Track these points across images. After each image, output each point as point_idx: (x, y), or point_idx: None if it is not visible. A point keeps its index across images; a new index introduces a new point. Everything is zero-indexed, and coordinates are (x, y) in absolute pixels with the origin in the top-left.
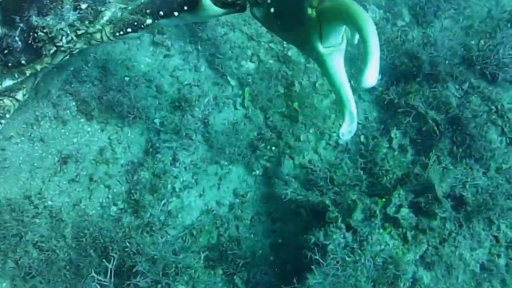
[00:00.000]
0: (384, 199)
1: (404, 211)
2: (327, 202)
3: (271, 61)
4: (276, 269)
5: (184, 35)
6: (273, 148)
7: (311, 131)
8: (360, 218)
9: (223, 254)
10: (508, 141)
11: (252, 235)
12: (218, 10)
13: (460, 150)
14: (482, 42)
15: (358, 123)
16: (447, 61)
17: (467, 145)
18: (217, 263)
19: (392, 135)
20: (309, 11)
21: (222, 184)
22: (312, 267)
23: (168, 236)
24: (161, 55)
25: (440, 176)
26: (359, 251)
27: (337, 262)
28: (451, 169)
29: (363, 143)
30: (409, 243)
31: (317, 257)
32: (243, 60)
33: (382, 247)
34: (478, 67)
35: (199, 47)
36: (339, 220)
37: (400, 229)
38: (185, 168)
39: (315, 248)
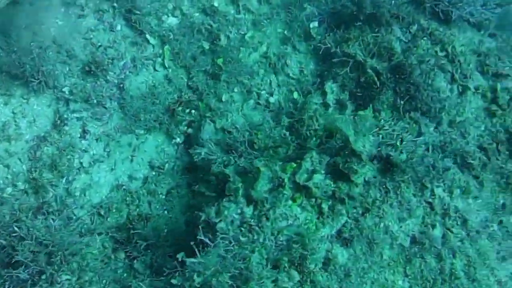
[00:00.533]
0: (294, 165)
1: (318, 177)
2: (227, 171)
3: (196, 14)
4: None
5: None
6: (193, 111)
7: (235, 90)
8: (267, 189)
9: (130, 235)
10: (460, 90)
11: (166, 212)
12: None
13: (402, 102)
14: None
15: (292, 78)
16: (393, 1)
17: (412, 96)
18: (122, 246)
19: (327, 89)
20: None
21: (136, 156)
22: (196, 249)
23: (74, 216)
24: (74, 16)
25: (354, 126)
26: (257, 229)
27: (229, 242)
28: (364, 115)
29: (296, 100)
30: (324, 216)
31: (201, 238)
32: (164, 15)
33: (290, 222)
34: (428, 4)
35: (115, 4)
36: (240, 193)
37: (314, 200)
38: (96, 139)
39: (205, 227)
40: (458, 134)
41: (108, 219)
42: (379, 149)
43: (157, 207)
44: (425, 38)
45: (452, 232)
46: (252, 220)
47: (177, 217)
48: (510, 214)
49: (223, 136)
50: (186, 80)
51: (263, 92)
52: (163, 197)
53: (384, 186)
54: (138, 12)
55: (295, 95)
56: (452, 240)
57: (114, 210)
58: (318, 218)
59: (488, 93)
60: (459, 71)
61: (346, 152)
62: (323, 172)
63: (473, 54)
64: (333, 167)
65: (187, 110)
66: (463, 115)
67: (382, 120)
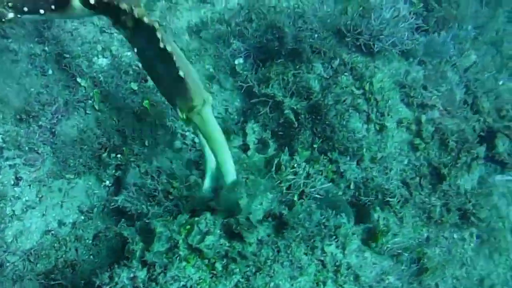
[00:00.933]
0: (188, 226)
1: (210, 239)
2: (125, 233)
3: (128, 53)
4: None
5: (30, 35)
6: (119, 156)
7: (159, 132)
8: (163, 249)
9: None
10: (378, 128)
11: (92, 257)
12: (86, 11)
13: (319, 143)
14: (349, 9)
15: (217, 117)
16: (316, 35)
17: (328, 137)
18: None
19: (248, 130)
20: (181, 114)
21: (66, 201)
22: None
23: (7, 263)
24: (8, 62)
25: (246, 189)
26: None
27: None
28: (256, 181)
29: None
30: (218, 275)
31: None
32: (94, 57)
33: (183, 283)
34: (349, 39)
35: (46, 48)
36: (137, 255)
37: (208, 260)
38: (29, 186)
39: None
40: (380, 170)
41: (38, 265)
42: (282, 199)
43: (84, 252)
44: (346, 74)
45: None
46: (143, 284)
47: (102, 262)
48: (436, 246)
49: (146, 181)
50: (116, 122)
51: (188, 133)
52: (90, 241)
53: (276, 245)
54: (68, 56)
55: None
56: None
57: (43, 256)
58: (211, 278)
59: (413, 125)
60: (375, 110)
61: (237, 215)
62: (218, 231)
63: (397, 86)
64: (228, 226)
65: (113, 155)
66: (385, 151)
67: (296, 165)
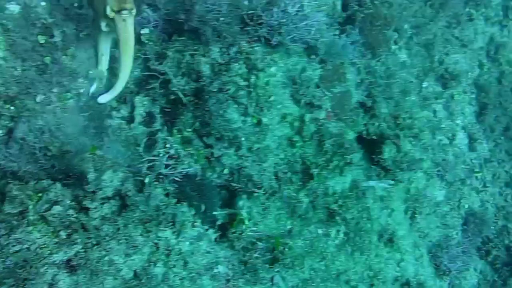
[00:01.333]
0: (40, 194)
1: (57, 209)
2: None
3: (43, 3)
4: None
5: None
6: (12, 108)
7: (55, 90)
8: (15, 212)
9: None
10: (255, 121)
11: None
12: None
13: (198, 126)
14: None
15: None
16: (222, 18)
17: (206, 123)
18: None
19: (136, 103)
20: (109, 11)
21: None
22: None
23: None
24: None
25: (93, 164)
26: None
27: None
28: (102, 156)
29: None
30: (61, 243)
31: None
32: (6, 3)
33: (26, 246)
34: (250, 28)
35: None
36: None
37: (53, 227)
38: None
39: None
40: (255, 160)
41: None
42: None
43: None
44: (240, 63)
45: (172, 271)
46: None
47: None
48: (298, 238)
49: (34, 136)
50: (17, 73)
51: (82, 90)
52: None
53: (116, 223)
54: None
55: (114, 103)
56: (172, 278)
57: None
58: (55, 244)
59: (296, 122)
60: (254, 104)
61: (87, 187)
62: (68, 202)
63: (290, 81)
64: (77, 199)
65: (7, 106)
66: (263, 143)
67: (168, 145)
